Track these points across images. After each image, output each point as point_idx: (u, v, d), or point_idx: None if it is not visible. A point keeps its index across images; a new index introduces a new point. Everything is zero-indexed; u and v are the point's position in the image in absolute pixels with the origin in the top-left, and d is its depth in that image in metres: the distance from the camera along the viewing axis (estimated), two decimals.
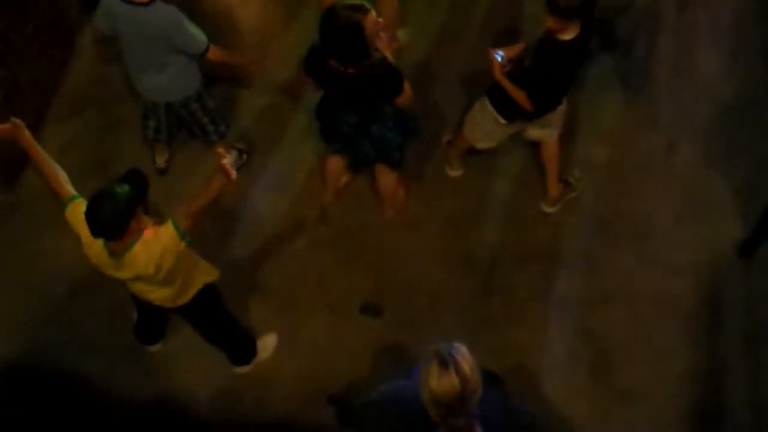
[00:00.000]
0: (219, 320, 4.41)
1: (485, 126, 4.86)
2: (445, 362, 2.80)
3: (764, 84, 5.70)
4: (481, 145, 5.02)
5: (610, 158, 5.44)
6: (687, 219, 5.20)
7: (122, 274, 3.68)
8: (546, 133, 4.95)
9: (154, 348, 4.81)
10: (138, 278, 3.73)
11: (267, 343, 4.78)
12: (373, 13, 4.07)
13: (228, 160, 3.58)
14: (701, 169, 5.38)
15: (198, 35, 4.58)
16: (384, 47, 4.33)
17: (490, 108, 4.73)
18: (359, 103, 4.43)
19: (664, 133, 5.53)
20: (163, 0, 4.48)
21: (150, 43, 4.51)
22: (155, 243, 3.58)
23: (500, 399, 3.19)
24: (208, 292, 4.11)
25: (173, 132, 5.30)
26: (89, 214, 3.42)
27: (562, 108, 4.80)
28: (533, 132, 4.96)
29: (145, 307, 4.17)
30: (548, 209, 5.21)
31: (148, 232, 3.60)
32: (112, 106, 5.65)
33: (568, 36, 4.23)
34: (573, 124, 5.41)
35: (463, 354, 2.84)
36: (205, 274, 4.08)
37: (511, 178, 5.38)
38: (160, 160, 5.35)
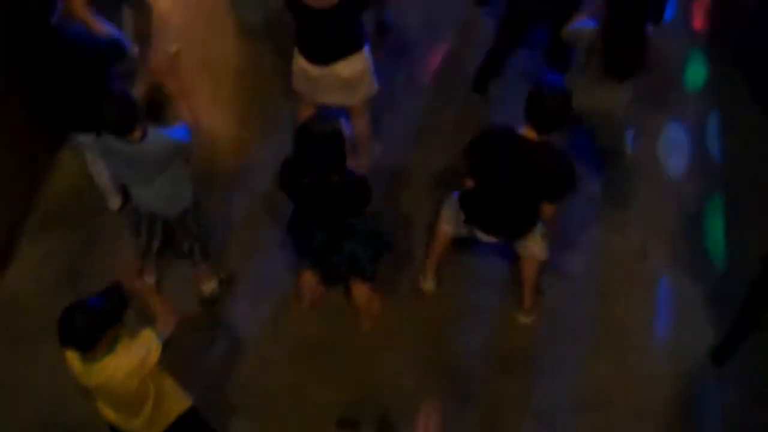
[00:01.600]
0: None
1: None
2: None
3: (726, 188, 5.83)
4: (446, 227, 5.04)
5: (584, 264, 5.50)
6: (661, 325, 5.25)
7: (92, 381, 3.70)
8: (528, 253, 4.98)
9: None
10: (107, 394, 3.74)
11: None
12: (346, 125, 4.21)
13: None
14: (673, 275, 5.45)
15: (182, 136, 4.60)
16: (359, 161, 4.46)
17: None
18: (329, 218, 4.51)
19: (636, 237, 5.61)
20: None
21: (148, 167, 4.53)
22: (127, 355, 3.63)
23: None
24: (187, 423, 4.09)
25: (162, 249, 5.21)
26: (62, 323, 3.49)
27: (538, 233, 4.85)
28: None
29: None
30: (524, 320, 5.25)
31: (123, 346, 3.64)
32: (89, 220, 5.67)
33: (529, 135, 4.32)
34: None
35: None
36: (177, 402, 4.06)
37: (486, 287, 5.42)
38: (150, 279, 5.29)
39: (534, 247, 4.88)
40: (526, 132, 4.32)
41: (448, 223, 5.01)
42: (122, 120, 4.28)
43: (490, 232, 4.84)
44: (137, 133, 4.32)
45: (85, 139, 5.11)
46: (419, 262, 5.43)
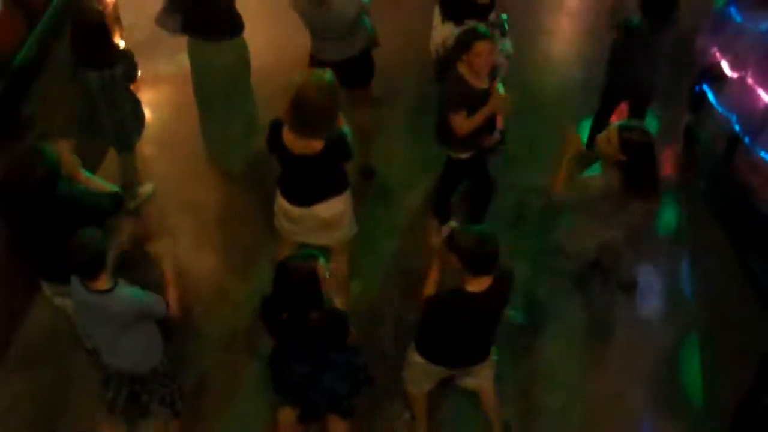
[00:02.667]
0: None
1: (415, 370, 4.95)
2: None
3: (701, 328, 5.89)
4: (412, 388, 5.05)
5: (561, 405, 5.47)
6: None
7: None
8: (478, 383, 5.04)
9: None
10: None
11: None
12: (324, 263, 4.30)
13: None
14: (651, 418, 5.44)
15: (152, 302, 4.56)
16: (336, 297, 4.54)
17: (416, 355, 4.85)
18: (310, 352, 4.54)
19: (612, 378, 5.61)
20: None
21: (111, 323, 4.48)
22: None
23: None
24: None
25: (130, 403, 5.00)
26: None
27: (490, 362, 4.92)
28: (465, 381, 5.06)
29: None
30: None
31: None
32: (65, 359, 5.62)
33: (475, 288, 4.41)
34: (525, 369, 5.54)
35: None
36: None
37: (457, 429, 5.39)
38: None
39: (486, 372, 4.97)
40: (473, 285, 4.41)
41: (416, 386, 5.05)
42: (89, 262, 4.27)
43: (457, 366, 4.89)
44: (102, 282, 4.33)
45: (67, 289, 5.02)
46: (398, 398, 5.38)
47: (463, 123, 5.44)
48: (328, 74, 4.86)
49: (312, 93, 4.74)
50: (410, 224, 6.54)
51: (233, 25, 6.22)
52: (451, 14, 6.18)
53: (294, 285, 4.26)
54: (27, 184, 4.51)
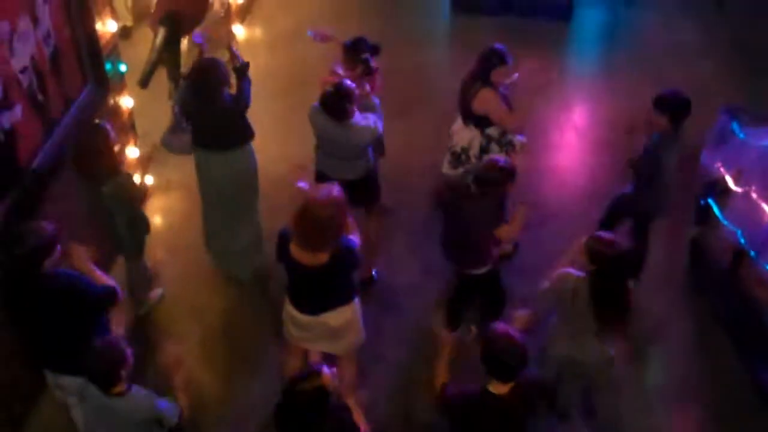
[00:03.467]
0: None
1: None
2: None
3: None
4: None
5: None
6: None
7: None
8: None
9: None
10: None
11: None
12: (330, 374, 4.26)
13: None
14: None
15: (166, 409, 4.54)
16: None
17: None
18: None
19: None
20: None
21: (121, 426, 4.47)
22: None
23: None
24: None
25: None
26: None
27: None
28: None
29: None
30: None
31: None
32: None
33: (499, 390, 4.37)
34: None
35: None
36: None
37: None
38: None
39: None
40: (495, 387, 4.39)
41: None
42: (107, 374, 4.31)
43: None
44: (119, 388, 4.35)
45: (67, 382, 5.02)
46: None
47: (508, 232, 5.72)
48: (335, 189, 4.92)
49: (318, 208, 4.78)
50: (416, 332, 6.49)
51: (242, 136, 6.31)
52: (477, 121, 6.42)
53: (303, 407, 4.19)
54: (13, 257, 4.57)
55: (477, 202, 5.54)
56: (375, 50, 6.52)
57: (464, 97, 6.43)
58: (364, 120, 5.95)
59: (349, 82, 5.91)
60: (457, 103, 6.57)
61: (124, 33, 9.20)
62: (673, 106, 5.86)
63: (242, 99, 6.19)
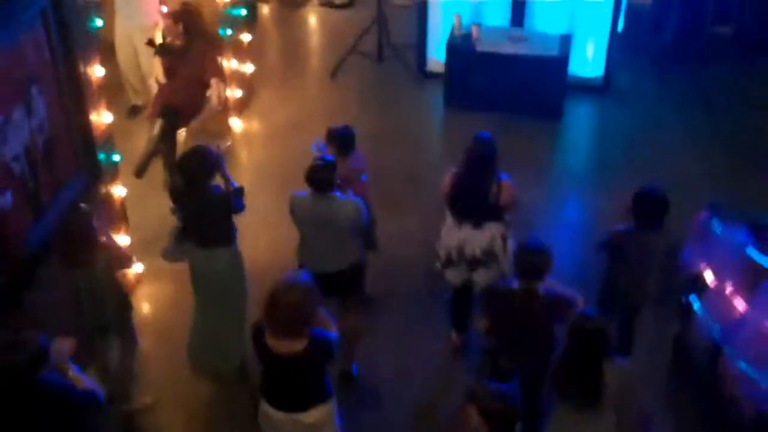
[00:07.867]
0: None
1: None
2: None
3: None
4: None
5: None
6: None
7: None
8: None
9: None
10: None
11: None
12: None
13: None
14: None
15: None
16: None
17: None
18: None
19: None
20: None
21: None
22: None
23: None
24: None
25: None
26: None
27: None
28: None
29: None
30: None
31: None
32: None
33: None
34: None
35: None
36: None
37: None
38: None
39: None
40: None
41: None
42: None
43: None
44: None
45: None
46: None
47: None
48: (301, 274, 4.96)
49: (284, 294, 4.78)
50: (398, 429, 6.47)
51: (226, 237, 6.38)
52: (467, 216, 6.36)
53: None
54: (2, 368, 4.48)
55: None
56: (345, 142, 6.79)
57: (484, 195, 6.24)
58: (348, 197, 6.13)
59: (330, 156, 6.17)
60: (458, 208, 6.42)
61: (134, 111, 9.51)
62: (639, 203, 6.05)
63: (231, 201, 6.30)
